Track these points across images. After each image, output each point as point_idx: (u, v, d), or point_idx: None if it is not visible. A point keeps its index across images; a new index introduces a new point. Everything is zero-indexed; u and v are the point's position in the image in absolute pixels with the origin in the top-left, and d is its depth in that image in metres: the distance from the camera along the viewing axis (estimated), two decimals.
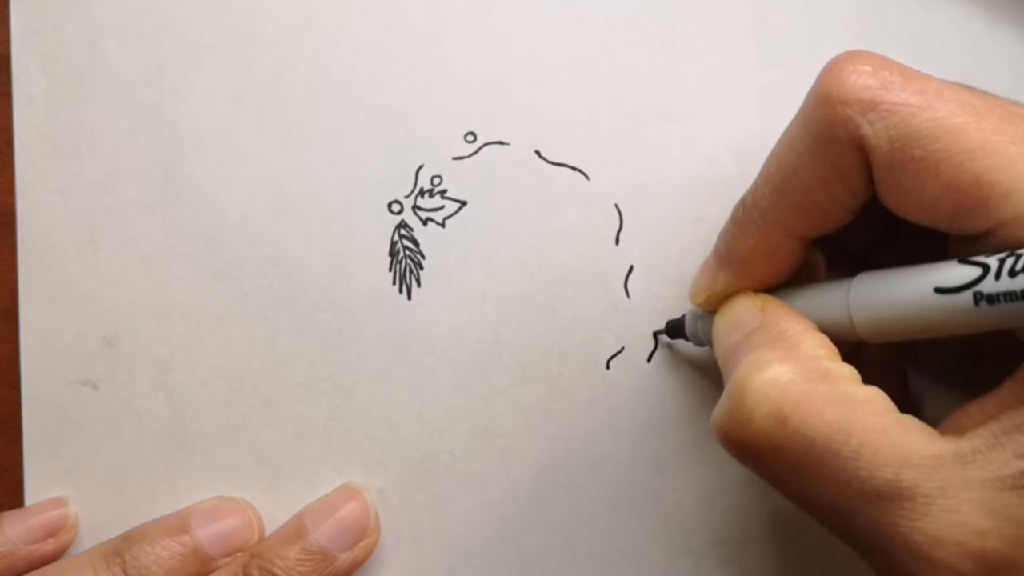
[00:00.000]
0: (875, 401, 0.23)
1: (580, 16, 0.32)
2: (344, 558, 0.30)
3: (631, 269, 0.32)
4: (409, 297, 0.32)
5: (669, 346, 0.32)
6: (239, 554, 0.30)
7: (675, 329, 0.31)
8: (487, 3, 0.32)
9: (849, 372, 0.23)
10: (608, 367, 0.32)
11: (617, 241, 0.32)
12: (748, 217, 0.26)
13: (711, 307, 0.28)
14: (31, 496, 0.32)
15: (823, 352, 0.24)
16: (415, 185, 0.32)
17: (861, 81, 0.23)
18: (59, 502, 0.32)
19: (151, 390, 0.32)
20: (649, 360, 0.32)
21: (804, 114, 0.24)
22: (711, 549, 0.31)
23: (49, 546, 0.31)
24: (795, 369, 0.23)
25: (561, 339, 0.32)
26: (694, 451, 0.31)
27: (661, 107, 0.32)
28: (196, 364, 0.32)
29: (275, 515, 0.32)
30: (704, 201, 0.32)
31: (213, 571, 0.30)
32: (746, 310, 0.26)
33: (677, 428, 0.31)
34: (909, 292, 0.23)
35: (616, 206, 0.32)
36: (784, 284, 0.27)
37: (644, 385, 0.32)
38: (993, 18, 0.32)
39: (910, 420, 0.22)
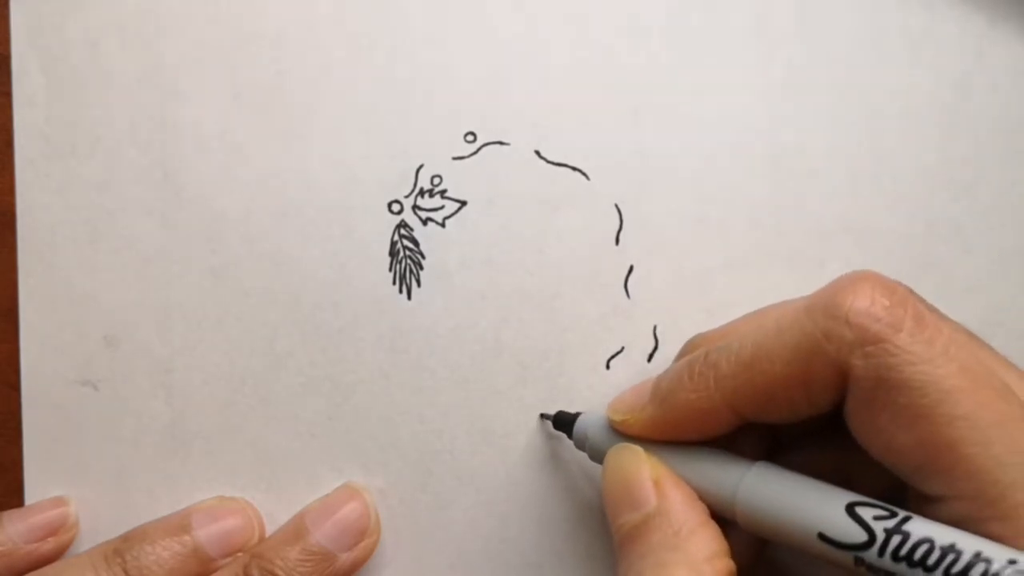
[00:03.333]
0: None
1: (580, 16, 0.32)
2: (345, 558, 0.30)
3: (631, 269, 0.32)
4: (409, 297, 0.32)
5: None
6: (240, 554, 0.30)
7: (563, 423, 0.30)
8: (487, 3, 0.32)
9: None
10: (608, 367, 0.32)
11: (617, 241, 0.32)
12: (703, 374, 0.26)
13: (627, 431, 0.27)
14: (31, 496, 0.32)
15: (718, 561, 0.24)
16: (415, 185, 0.32)
17: (873, 311, 0.23)
18: (59, 501, 0.32)
19: (151, 390, 0.32)
20: (649, 360, 0.32)
21: (807, 310, 0.24)
22: None
23: (49, 545, 0.31)
24: None
25: (561, 339, 0.32)
26: None
27: (661, 107, 0.32)
28: (196, 364, 0.32)
29: (275, 515, 0.32)
30: (704, 201, 0.32)
31: (214, 571, 0.30)
32: (640, 483, 0.26)
33: None
34: (793, 521, 0.23)
35: (616, 206, 0.32)
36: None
37: None
38: (993, 18, 0.32)
39: None
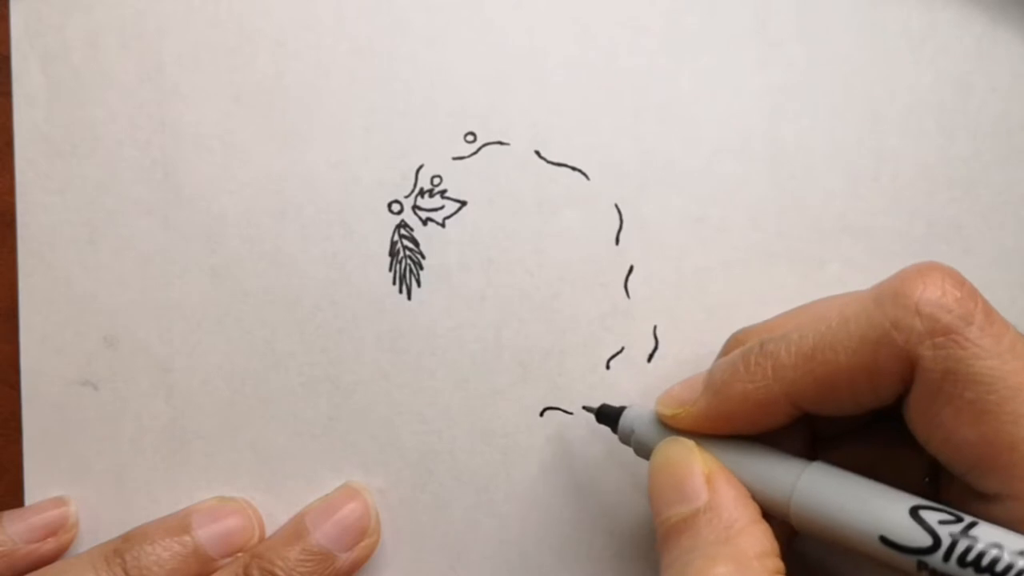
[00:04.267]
0: None
1: (580, 16, 0.32)
2: (345, 558, 0.30)
3: (631, 269, 0.32)
4: (409, 297, 0.32)
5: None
6: (240, 554, 0.30)
7: (607, 417, 0.30)
8: (487, 3, 0.32)
9: None
10: (608, 367, 0.32)
11: (617, 241, 0.32)
12: (760, 364, 0.25)
13: (678, 425, 0.27)
14: (31, 496, 0.32)
15: (769, 560, 0.24)
16: (415, 185, 0.32)
17: (945, 302, 0.22)
18: (59, 501, 0.32)
19: (151, 390, 0.32)
20: (649, 360, 0.32)
21: (875, 299, 0.23)
22: None
23: (49, 545, 0.31)
24: None
25: (561, 339, 0.32)
26: None
27: (661, 107, 0.32)
28: (196, 364, 0.32)
29: (275, 515, 0.32)
30: (704, 201, 0.32)
31: (214, 571, 0.30)
32: (692, 477, 0.25)
33: None
34: (853, 523, 0.23)
35: (616, 206, 0.32)
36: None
37: (644, 385, 0.32)
38: (993, 18, 0.32)
39: None
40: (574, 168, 0.32)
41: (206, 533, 0.30)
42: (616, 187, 0.32)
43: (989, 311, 0.23)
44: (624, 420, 0.29)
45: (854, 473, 0.24)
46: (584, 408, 0.31)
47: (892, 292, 0.23)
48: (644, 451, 0.28)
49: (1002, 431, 0.22)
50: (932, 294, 0.23)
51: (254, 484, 0.32)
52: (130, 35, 0.32)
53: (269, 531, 0.32)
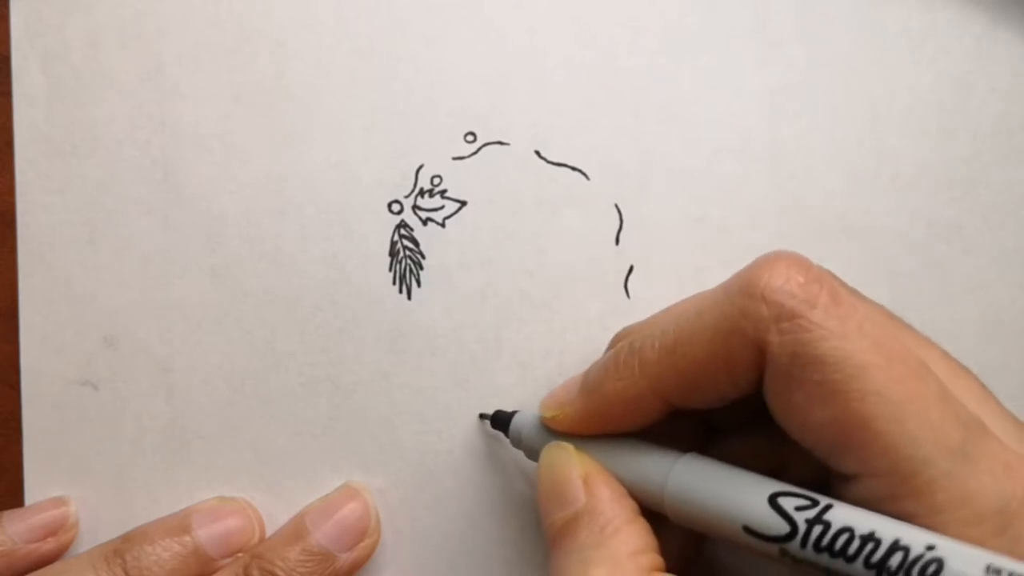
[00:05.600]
0: None
1: (580, 16, 0.32)
2: (345, 558, 0.30)
3: (631, 269, 0.32)
4: (409, 297, 0.32)
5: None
6: (240, 555, 0.30)
7: (500, 422, 0.30)
8: (487, 3, 0.32)
9: None
10: None
11: (617, 241, 0.32)
12: (627, 361, 0.26)
13: (558, 427, 0.27)
14: (31, 496, 0.32)
15: (643, 556, 0.24)
16: (415, 185, 0.32)
17: (788, 288, 0.23)
18: (59, 501, 0.32)
19: (151, 390, 0.32)
20: None
21: (725, 290, 0.24)
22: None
23: (49, 545, 0.31)
24: None
25: (561, 339, 0.32)
26: None
27: (661, 107, 0.32)
28: (196, 364, 0.32)
29: (275, 515, 0.32)
30: (704, 201, 0.32)
31: (214, 571, 0.30)
32: (570, 480, 0.26)
33: None
34: (719, 514, 0.23)
35: (616, 206, 0.32)
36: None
37: None
38: (993, 18, 0.32)
39: None
40: (574, 168, 0.32)
41: (206, 533, 0.30)
42: (616, 187, 0.32)
43: (836, 292, 0.23)
44: (513, 425, 0.30)
45: (722, 463, 0.24)
46: (480, 416, 0.31)
47: (740, 283, 0.24)
48: (533, 455, 0.29)
49: (851, 410, 0.22)
50: (776, 281, 0.23)
51: (254, 484, 0.32)
52: (130, 35, 0.32)
53: (269, 531, 0.32)
